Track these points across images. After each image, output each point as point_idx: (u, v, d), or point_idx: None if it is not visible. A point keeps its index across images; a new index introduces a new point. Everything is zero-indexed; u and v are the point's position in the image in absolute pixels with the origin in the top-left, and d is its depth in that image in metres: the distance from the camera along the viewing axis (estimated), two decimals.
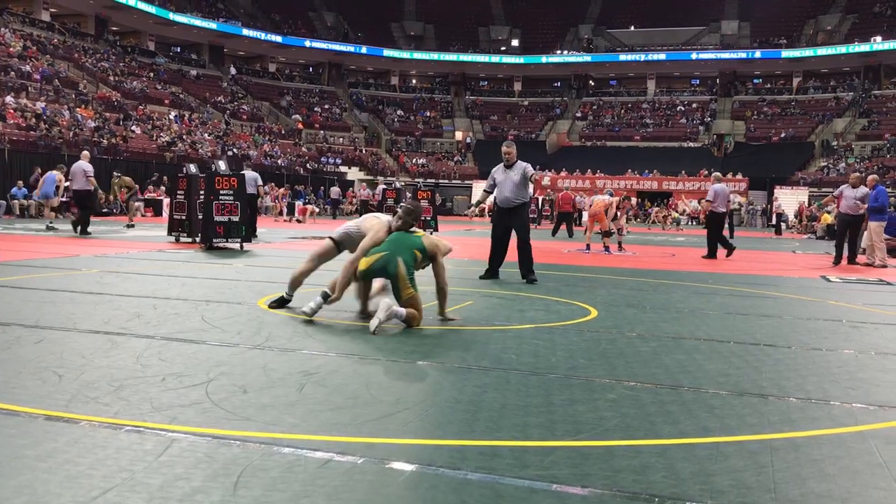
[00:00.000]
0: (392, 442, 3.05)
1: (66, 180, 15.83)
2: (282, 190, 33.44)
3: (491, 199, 9.81)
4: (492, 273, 9.30)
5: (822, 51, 51.55)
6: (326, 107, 56.31)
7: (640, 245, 16.50)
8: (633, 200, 35.98)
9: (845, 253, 14.03)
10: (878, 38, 49.20)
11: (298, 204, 31.33)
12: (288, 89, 56.94)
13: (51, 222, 17.61)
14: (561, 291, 8.33)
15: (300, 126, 51.41)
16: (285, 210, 31.92)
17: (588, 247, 15.88)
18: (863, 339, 5.98)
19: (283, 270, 9.69)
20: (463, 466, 2.78)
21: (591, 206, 16.46)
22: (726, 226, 17.24)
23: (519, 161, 9.19)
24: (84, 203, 15.67)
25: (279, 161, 42.89)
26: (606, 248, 15.60)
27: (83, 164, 15.59)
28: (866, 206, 13.66)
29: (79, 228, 15.23)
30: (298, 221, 27.34)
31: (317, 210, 32.18)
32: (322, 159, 48.39)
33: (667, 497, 2.57)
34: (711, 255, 14.58)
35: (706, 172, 43.92)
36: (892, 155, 43.77)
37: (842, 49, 50.54)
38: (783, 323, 6.63)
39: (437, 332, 5.63)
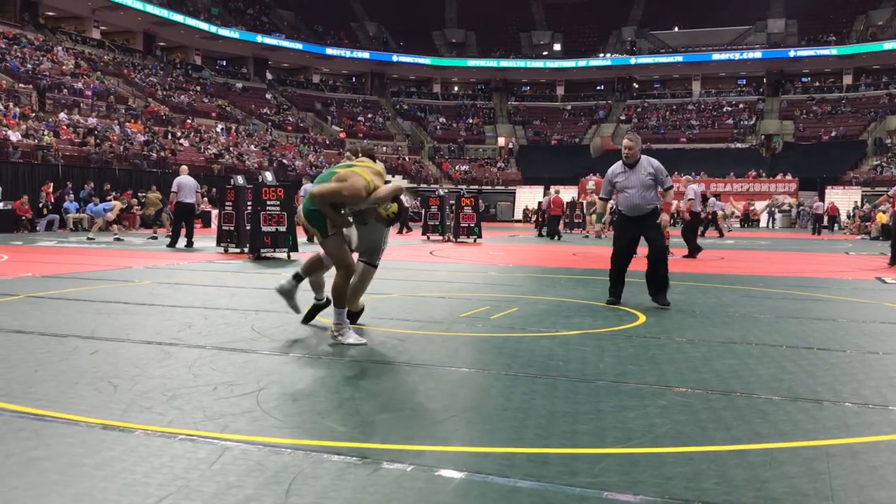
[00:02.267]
0: (440, 449, 3.05)
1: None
2: None
3: (606, 204, 8.41)
4: (617, 297, 7.63)
5: (874, 46, 50.33)
6: (370, 116, 56.75)
7: (686, 248, 16.25)
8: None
9: None
10: None
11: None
12: (331, 100, 57.52)
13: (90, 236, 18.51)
14: (605, 297, 8.25)
15: (342, 136, 51.87)
16: None
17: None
18: None
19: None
20: (512, 474, 2.77)
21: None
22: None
23: (643, 157, 7.55)
24: (189, 216, 16.13)
25: (323, 171, 43.36)
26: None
27: (191, 179, 15.92)
28: None
29: (186, 242, 15.73)
30: None
31: None
32: None
33: None
34: (693, 255, 14.71)
35: (754, 174, 43.18)
36: None
37: (894, 44, 49.29)
38: (837, 326, 6.48)
39: (482, 338, 5.63)
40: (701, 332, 5.95)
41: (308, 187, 33.96)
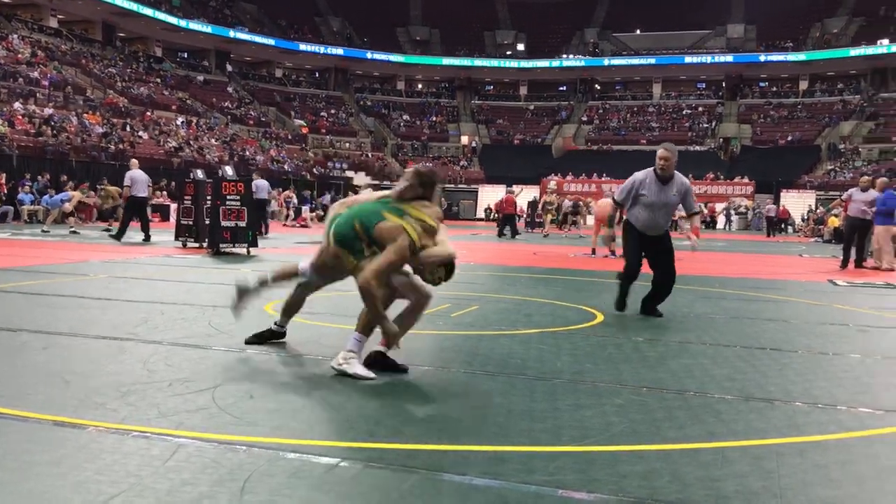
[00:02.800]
0: (398, 447, 3.06)
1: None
2: (286, 192, 33.46)
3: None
4: (623, 303, 7.01)
5: (829, 54, 51.41)
6: (333, 111, 56.45)
7: None
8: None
9: (853, 256, 13.98)
10: (885, 41, 49.05)
11: (305, 209, 31.36)
12: (294, 94, 57.09)
13: (73, 228, 18.22)
14: (567, 296, 8.33)
15: (305, 131, 51.53)
16: (292, 215, 31.89)
17: (594, 251, 15.86)
18: (870, 343, 5.96)
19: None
20: (469, 472, 2.79)
21: (597, 206, 16.43)
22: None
23: (677, 174, 6.80)
24: (143, 210, 16.02)
25: (286, 166, 42.98)
26: (612, 253, 15.57)
27: (143, 173, 15.76)
28: (874, 209, 13.61)
29: (143, 237, 15.60)
30: (303, 226, 27.34)
31: (319, 215, 32.22)
32: (328, 164, 48.50)
33: (672, 502, 2.57)
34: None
35: (713, 176, 43.83)
36: None
37: (848, 52, 50.40)
38: (790, 327, 6.62)
39: (442, 336, 5.64)
40: (657, 332, 6.03)
41: (327, 201, 33.11)
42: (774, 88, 56.19)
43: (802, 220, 37.24)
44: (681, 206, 7.03)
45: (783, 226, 34.63)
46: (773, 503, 2.60)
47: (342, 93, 59.03)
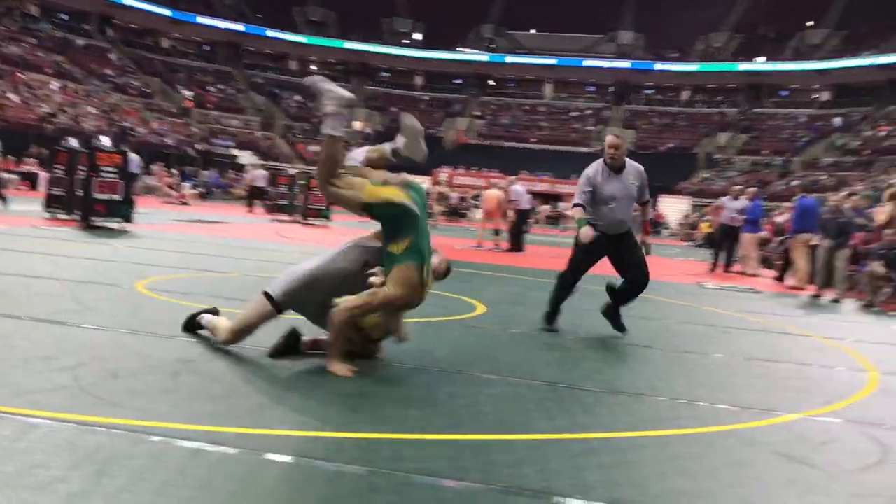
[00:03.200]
0: (268, 433, 2.99)
1: None
2: (173, 174, 32.25)
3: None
4: (554, 317, 6.18)
5: (711, 67, 53.89)
6: (221, 87, 54.74)
7: (532, 245, 16.82)
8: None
9: (722, 261, 14.72)
10: (762, 59, 51.89)
11: (186, 186, 30.30)
12: (181, 66, 55.01)
13: None
14: (450, 287, 8.37)
15: (189, 105, 49.73)
16: (174, 192, 30.66)
17: (479, 244, 16.06)
18: (732, 344, 6.29)
19: (164, 254, 9.38)
20: (339, 459, 2.76)
21: (485, 199, 16.62)
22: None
23: (629, 161, 6.22)
24: None
25: (168, 140, 41.41)
26: (497, 246, 15.82)
27: None
28: (743, 217, 14.37)
29: None
30: (183, 203, 26.35)
31: (201, 192, 31.31)
32: (214, 141, 47.03)
33: (538, 491, 2.63)
34: (517, 248, 15.54)
35: None
36: (770, 170, 46.26)
37: (736, 66, 52.97)
38: (660, 326, 6.90)
39: None
40: (535, 325, 6.15)
41: (213, 179, 31.63)
42: (659, 96, 58.41)
43: (678, 224, 38.94)
44: None
45: (658, 229, 36.17)
46: (633, 492, 2.69)
47: (232, 68, 57.32)
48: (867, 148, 43.61)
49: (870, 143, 44.07)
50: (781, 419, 3.91)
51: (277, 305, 4.16)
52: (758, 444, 3.43)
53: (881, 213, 12.01)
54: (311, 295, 4.16)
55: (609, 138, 6.15)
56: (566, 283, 6.21)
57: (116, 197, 12.24)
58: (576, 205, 6.13)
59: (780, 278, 13.13)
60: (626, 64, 55.86)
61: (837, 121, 48.07)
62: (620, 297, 6.14)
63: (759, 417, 3.91)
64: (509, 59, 57.80)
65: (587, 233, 5.83)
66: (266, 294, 4.18)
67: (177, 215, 18.63)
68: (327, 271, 4.19)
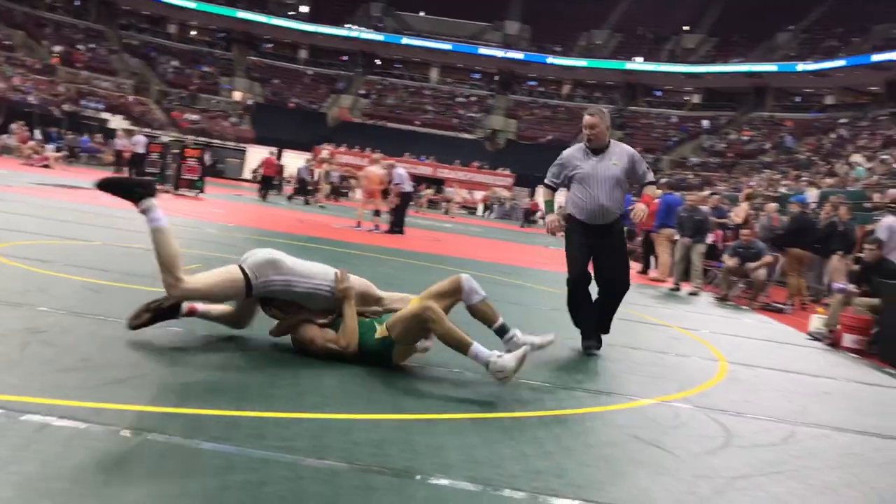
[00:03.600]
0: (123, 408, 2.88)
1: None
2: (35, 135, 30.32)
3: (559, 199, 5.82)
4: (596, 339, 5.50)
5: (586, 63, 55.54)
6: (92, 46, 51.82)
7: (410, 228, 16.87)
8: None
9: None
10: (640, 59, 53.90)
11: (49, 148, 28.58)
12: (48, 20, 51.68)
13: None
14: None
15: (55, 62, 46.81)
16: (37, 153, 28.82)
17: (359, 224, 15.97)
18: None
19: (22, 218, 8.83)
20: (197, 436, 2.69)
21: (365, 178, 16.49)
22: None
23: (614, 142, 5.48)
24: None
25: (30, 98, 38.89)
26: (376, 227, 15.78)
27: None
28: None
29: None
30: (45, 166, 24.84)
31: (66, 155, 29.68)
32: (82, 102, 44.53)
33: (400, 470, 2.65)
34: (398, 231, 15.62)
35: (478, 165, 45.78)
36: None
37: (620, 64, 54.67)
38: (530, 311, 7.08)
39: None
40: None
41: (87, 144, 29.94)
42: (541, 88, 59.66)
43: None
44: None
45: (532, 218, 37.12)
46: (491, 472, 2.76)
47: (105, 27, 54.37)
48: (731, 151, 46.19)
49: (733, 147, 46.70)
50: (637, 403, 4.10)
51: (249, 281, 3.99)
52: (613, 427, 3.59)
53: (738, 213, 12.77)
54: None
55: (586, 118, 5.35)
56: (572, 287, 5.49)
57: None
58: (543, 185, 5.64)
59: (643, 271, 13.74)
60: (519, 55, 56.65)
61: (706, 123, 50.61)
62: (601, 315, 5.43)
63: (615, 402, 4.09)
64: (406, 40, 57.46)
65: (552, 222, 5.28)
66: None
67: (38, 178, 17.55)
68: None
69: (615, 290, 5.40)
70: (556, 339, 4.45)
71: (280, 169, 29.40)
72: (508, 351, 4.07)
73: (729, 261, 10.84)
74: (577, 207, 5.37)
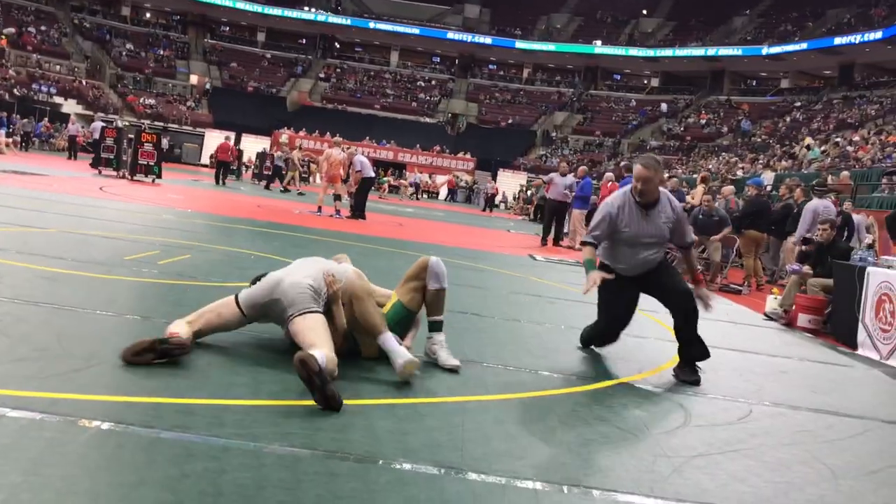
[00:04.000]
0: (80, 398, 2.83)
1: None
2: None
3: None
4: (588, 344, 5.17)
5: (551, 46, 55.57)
6: (43, 28, 50.53)
7: (372, 213, 16.80)
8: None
9: (551, 235, 15.34)
10: (599, 42, 54.13)
11: (0, 133, 27.85)
12: None
13: None
14: (285, 251, 8.24)
15: (3, 44, 45.53)
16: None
17: (320, 209, 15.86)
18: (557, 313, 6.59)
19: None
20: (157, 424, 2.65)
21: (325, 162, 16.33)
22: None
23: (665, 193, 4.82)
24: None
25: None
26: (338, 212, 15.68)
27: None
28: (573, 193, 15.01)
29: None
30: None
31: (17, 141, 28.97)
32: (33, 86, 43.47)
33: (362, 455, 2.64)
34: (360, 216, 15.61)
35: (439, 149, 45.72)
36: (600, 151, 48.57)
37: (581, 48, 54.78)
38: (489, 294, 7.11)
39: (146, 284, 5.31)
40: None
41: (40, 128, 29.10)
42: (501, 72, 59.67)
43: (514, 198, 40.21)
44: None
45: (494, 202, 37.27)
46: (454, 455, 2.77)
47: (55, 9, 53.03)
48: (689, 134, 46.71)
49: (691, 130, 47.23)
50: (598, 385, 4.15)
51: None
52: (574, 408, 3.63)
53: (695, 196, 12.94)
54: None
55: (637, 168, 4.63)
56: (599, 330, 5.04)
57: None
58: (585, 243, 4.80)
59: (556, 241, 13.86)
60: (487, 39, 56.44)
61: (664, 107, 51.10)
62: (681, 340, 4.66)
63: (577, 384, 4.13)
64: (373, 24, 56.80)
65: (594, 279, 4.51)
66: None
67: None
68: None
69: (689, 307, 4.64)
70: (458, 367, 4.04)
71: (238, 154, 29.22)
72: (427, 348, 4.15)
73: None
74: (619, 263, 4.80)
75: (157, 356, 3.34)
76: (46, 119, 37.50)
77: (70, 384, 2.96)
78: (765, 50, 45.83)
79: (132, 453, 2.40)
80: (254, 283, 3.95)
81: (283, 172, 25.70)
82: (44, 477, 2.15)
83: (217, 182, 23.47)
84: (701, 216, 10.95)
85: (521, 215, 32.55)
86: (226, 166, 24.75)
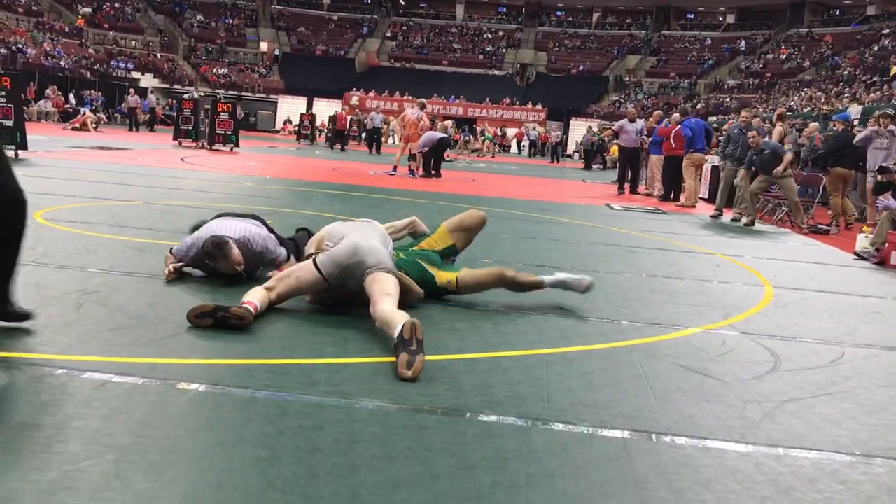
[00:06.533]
0: (177, 362, 2.96)
1: None
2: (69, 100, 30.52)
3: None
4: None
5: None
6: (116, 5, 51.76)
7: (446, 171, 16.81)
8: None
9: (628, 183, 15.08)
10: None
11: (85, 110, 28.83)
12: None
13: None
14: (362, 213, 8.34)
15: (81, 24, 46.84)
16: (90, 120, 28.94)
17: (395, 168, 15.95)
18: (637, 262, 6.50)
19: (64, 182, 8.98)
20: (251, 385, 2.76)
21: (402, 122, 16.33)
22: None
23: None
24: None
25: (62, 62, 39.16)
26: (412, 172, 15.75)
27: None
28: (650, 139, 14.69)
29: None
30: (76, 129, 24.98)
31: (104, 119, 29.89)
32: (112, 63, 44.72)
33: (449, 409, 2.69)
34: (436, 174, 15.67)
35: (509, 101, 45.20)
36: (676, 93, 47.18)
37: None
38: (568, 246, 7.06)
39: None
40: None
41: (134, 103, 29.99)
42: (570, 18, 58.32)
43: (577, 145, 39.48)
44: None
45: (544, 150, 36.62)
46: (539, 407, 2.79)
47: None
48: (768, 71, 44.87)
49: (770, 67, 45.34)
50: (682, 333, 4.10)
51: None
52: (659, 357, 3.59)
53: (774, 135, 12.48)
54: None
55: None
56: None
57: (7, 122, 11.58)
58: None
59: (665, 197, 13.54)
60: None
61: (741, 44, 49.16)
62: None
63: (660, 332, 4.08)
64: None
65: None
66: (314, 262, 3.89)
67: (74, 142, 17.79)
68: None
69: None
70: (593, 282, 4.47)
71: (348, 122, 30.67)
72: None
73: (741, 175, 10.45)
74: None
75: (215, 322, 3.40)
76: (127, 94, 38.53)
77: (167, 350, 3.09)
78: None
79: (230, 413, 2.50)
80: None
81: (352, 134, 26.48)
82: (150, 438, 2.26)
83: (333, 148, 26.06)
84: (755, 157, 10.44)
85: (596, 164, 31.96)
86: (341, 134, 26.83)
